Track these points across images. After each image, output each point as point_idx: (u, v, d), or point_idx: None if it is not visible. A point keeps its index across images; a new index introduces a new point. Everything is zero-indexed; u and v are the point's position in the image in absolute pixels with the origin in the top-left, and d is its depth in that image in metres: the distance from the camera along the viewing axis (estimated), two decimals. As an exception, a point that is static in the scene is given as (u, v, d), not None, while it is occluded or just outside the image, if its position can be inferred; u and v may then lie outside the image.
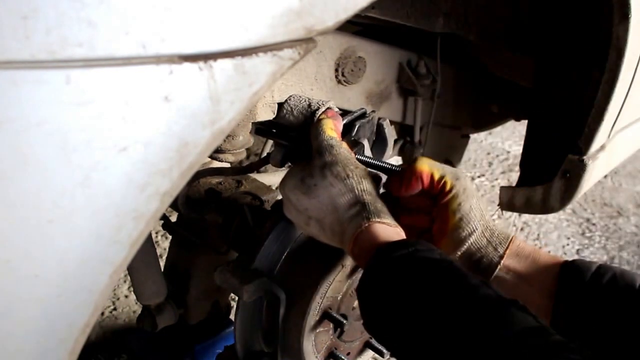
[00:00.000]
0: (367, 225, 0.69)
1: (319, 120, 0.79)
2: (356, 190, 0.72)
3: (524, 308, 0.55)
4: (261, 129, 0.87)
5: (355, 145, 0.82)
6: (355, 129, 0.84)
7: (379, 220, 0.70)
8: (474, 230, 0.76)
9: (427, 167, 0.78)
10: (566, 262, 0.73)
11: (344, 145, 0.77)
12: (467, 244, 0.76)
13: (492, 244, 0.76)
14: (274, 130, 0.85)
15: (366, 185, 0.73)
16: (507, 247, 0.76)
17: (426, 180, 0.78)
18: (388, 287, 0.63)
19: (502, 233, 0.78)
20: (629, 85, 1.21)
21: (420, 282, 0.61)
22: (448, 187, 0.77)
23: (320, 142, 0.76)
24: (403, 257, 0.64)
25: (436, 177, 0.78)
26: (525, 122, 1.49)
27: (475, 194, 0.78)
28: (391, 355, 0.71)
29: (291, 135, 0.82)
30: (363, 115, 0.86)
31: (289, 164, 0.87)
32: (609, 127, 1.28)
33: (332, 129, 0.78)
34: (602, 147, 1.33)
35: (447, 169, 0.79)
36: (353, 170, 0.73)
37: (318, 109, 0.82)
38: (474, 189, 0.79)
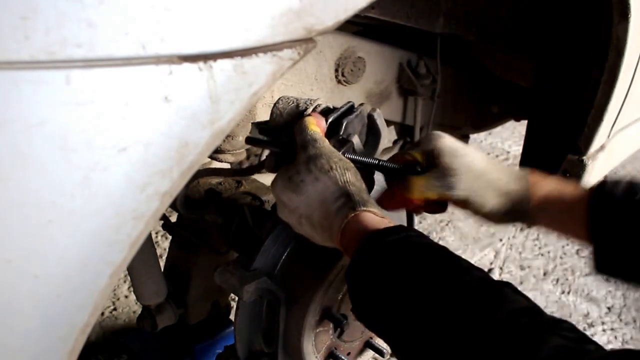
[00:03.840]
0: (353, 215, 0.69)
1: (302, 118, 0.80)
2: (340, 183, 0.72)
3: (516, 290, 0.55)
4: (252, 138, 0.87)
5: (343, 144, 0.81)
6: (343, 127, 0.83)
7: (365, 209, 0.70)
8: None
9: (418, 193, 0.79)
10: (593, 188, 0.74)
11: (327, 142, 0.78)
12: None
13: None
14: (264, 139, 0.85)
15: (350, 177, 0.73)
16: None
17: (418, 202, 0.81)
18: (379, 270, 0.63)
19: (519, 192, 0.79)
20: (629, 85, 1.21)
21: (412, 265, 0.61)
22: (451, 200, 0.80)
23: (304, 137, 0.76)
24: (395, 242, 0.64)
25: (432, 198, 0.80)
26: (525, 122, 1.49)
27: (483, 172, 0.79)
28: (384, 341, 0.71)
29: (281, 140, 0.82)
30: (350, 109, 0.85)
31: None
32: (608, 127, 1.28)
33: (315, 124, 0.78)
34: (602, 147, 1.33)
35: (445, 186, 0.79)
36: (337, 162, 0.73)
37: (306, 109, 0.82)
38: (480, 169, 0.79)
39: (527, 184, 0.78)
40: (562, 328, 0.49)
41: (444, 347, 0.53)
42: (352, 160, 0.79)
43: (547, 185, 0.78)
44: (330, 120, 0.82)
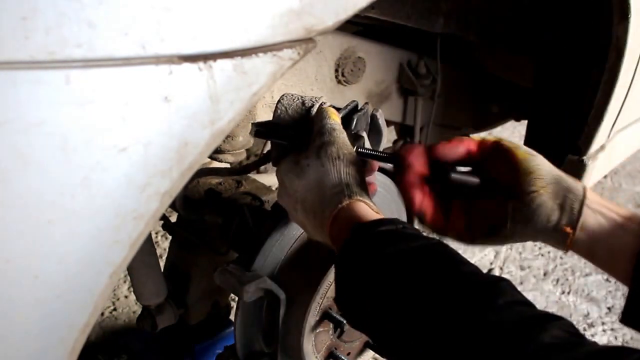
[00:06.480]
0: (347, 202, 0.68)
1: (323, 108, 0.80)
2: (342, 173, 0.71)
3: (512, 285, 0.54)
4: (259, 130, 0.87)
5: (356, 139, 0.82)
6: (354, 122, 0.84)
7: (360, 199, 0.69)
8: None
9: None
10: None
11: (345, 134, 0.77)
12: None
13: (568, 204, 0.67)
14: (272, 131, 0.86)
15: (352, 171, 0.73)
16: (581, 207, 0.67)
17: (473, 145, 0.72)
18: (369, 261, 0.60)
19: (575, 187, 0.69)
20: (629, 86, 1.21)
21: (404, 256, 0.58)
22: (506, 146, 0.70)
23: (323, 125, 0.76)
24: (387, 233, 0.62)
25: (489, 140, 0.72)
26: (525, 122, 1.49)
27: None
28: (370, 339, 0.66)
29: (289, 133, 0.82)
30: (356, 107, 0.86)
31: None
32: (608, 127, 1.28)
33: (336, 115, 0.79)
34: (602, 148, 1.33)
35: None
36: (345, 154, 0.73)
37: (312, 105, 0.82)
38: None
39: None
40: (561, 323, 0.49)
41: (439, 336, 0.52)
42: (368, 154, 0.79)
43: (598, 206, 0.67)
44: (341, 115, 0.83)
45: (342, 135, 0.76)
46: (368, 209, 0.69)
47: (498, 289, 0.52)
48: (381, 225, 0.63)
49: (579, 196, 0.67)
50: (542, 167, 0.68)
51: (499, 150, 0.71)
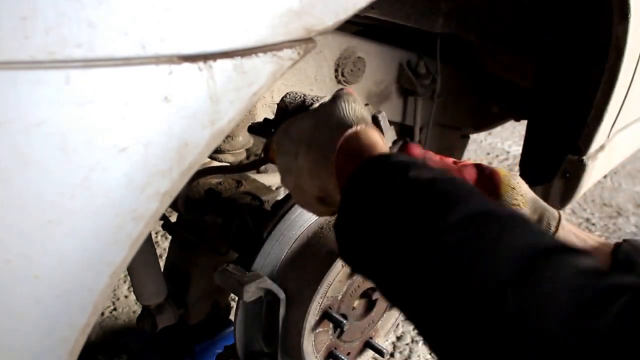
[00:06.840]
0: (359, 128, 0.64)
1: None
2: (357, 110, 0.68)
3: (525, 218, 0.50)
4: (252, 126, 0.88)
5: None
6: None
7: (372, 128, 0.66)
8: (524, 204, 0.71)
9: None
10: (616, 249, 0.66)
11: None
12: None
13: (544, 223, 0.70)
14: (263, 127, 0.86)
15: (367, 114, 0.70)
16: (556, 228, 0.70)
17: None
18: (382, 190, 0.53)
19: (551, 211, 0.72)
20: (629, 86, 1.21)
21: (425, 184, 0.52)
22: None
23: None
24: (406, 161, 0.56)
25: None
26: (525, 122, 1.49)
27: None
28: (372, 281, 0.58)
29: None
30: None
31: None
32: (608, 127, 1.28)
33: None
34: (602, 147, 1.33)
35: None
36: (361, 104, 0.70)
37: (312, 104, 0.82)
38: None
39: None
40: (588, 255, 0.45)
41: (459, 273, 0.45)
42: None
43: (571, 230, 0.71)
44: None
45: (358, 100, 0.73)
46: (380, 139, 0.64)
47: (520, 220, 0.48)
48: (398, 156, 0.58)
49: (555, 216, 0.71)
50: (522, 185, 0.73)
51: (483, 169, 0.75)
